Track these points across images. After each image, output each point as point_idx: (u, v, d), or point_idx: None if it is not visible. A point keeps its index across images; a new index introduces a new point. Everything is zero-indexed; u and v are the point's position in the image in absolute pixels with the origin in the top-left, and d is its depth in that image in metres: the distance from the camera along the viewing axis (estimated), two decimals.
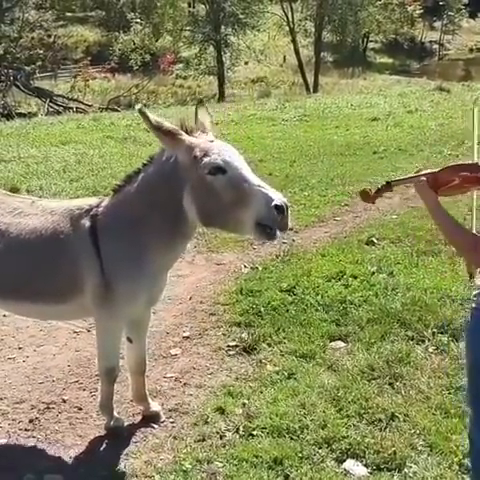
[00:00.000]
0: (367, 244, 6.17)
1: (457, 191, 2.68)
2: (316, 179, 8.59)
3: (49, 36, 26.17)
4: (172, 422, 3.60)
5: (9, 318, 4.70)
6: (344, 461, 3.23)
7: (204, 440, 3.40)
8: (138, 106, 2.96)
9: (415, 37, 43.15)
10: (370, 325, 4.54)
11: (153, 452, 3.34)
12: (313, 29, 31.90)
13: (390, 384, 3.85)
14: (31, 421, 3.64)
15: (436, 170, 2.61)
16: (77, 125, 12.99)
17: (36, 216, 3.22)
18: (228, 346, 4.40)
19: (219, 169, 2.82)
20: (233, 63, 29.85)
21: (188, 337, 4.57)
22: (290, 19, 29.61)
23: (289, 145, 10.95)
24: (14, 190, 7.02)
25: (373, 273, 5.40)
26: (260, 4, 30.37)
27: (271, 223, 2.77)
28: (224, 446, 3.35)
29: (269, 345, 4.37)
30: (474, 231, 2.83)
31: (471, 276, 3.57)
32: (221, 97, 26.89)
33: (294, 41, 29.97)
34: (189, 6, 34.92)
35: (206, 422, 3.55)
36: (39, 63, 23.43)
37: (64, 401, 3.83)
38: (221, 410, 3.64)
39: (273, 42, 33.32)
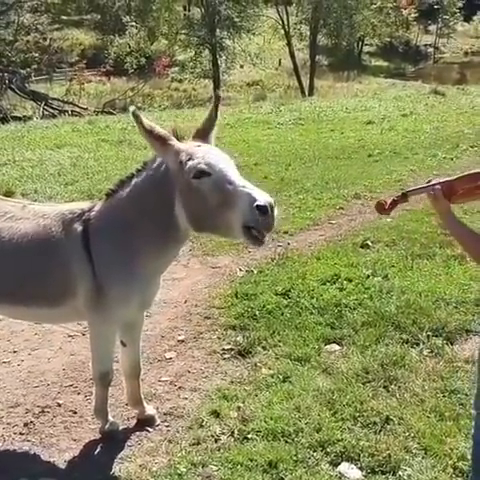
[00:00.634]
0: (362, 247, 6.18)
1: (470, 198, 2.67)
2: (311, 182, 8.59)
3: (44, 39, 26.10)
4: (167, 426, 3.60)
5: (4, 322, 4.70)
6: (339, 464, 3.23)
7: (199, 443, 3.40)
8: (131, 108, 2.95)
9: (410, 40, 43.16)
10: (365, 328, 4.55)
11: (148, 456, 3.34)
12: (308, 32, 31.95)
13: (385, 387, 3.85)
14: (26, 425, 3.63)
15: (451, 178, 2.57)
16: (72, 128, 12.96)
17: (28, 220, 3.20)
18: (223, 349, 4.40)
19: (203, 173, 2.81)
20: (228, 66, 29.85)
21: (183, 340, 4.57)
22: (285, 22, 29.58)
23: (284, 148, 10.96)
24: (9, 194, 7.03)
25: (368, 276, 5.41)
26: (255, 7, 30.45)
27: (255, 224, 2.71)
28: (219, 449, 3.35)
29: (264, 348, 4.37)
30: None
31: None
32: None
33: (289, 44, 29.95)
34: (184, 9, 34.94)
35: (201, 425, 3.55)
36: (34, 66, 23.34)
37: (59, 405, 3.82)
38: (216, 413, 3.64)
39: (268, 45, 33.30)
